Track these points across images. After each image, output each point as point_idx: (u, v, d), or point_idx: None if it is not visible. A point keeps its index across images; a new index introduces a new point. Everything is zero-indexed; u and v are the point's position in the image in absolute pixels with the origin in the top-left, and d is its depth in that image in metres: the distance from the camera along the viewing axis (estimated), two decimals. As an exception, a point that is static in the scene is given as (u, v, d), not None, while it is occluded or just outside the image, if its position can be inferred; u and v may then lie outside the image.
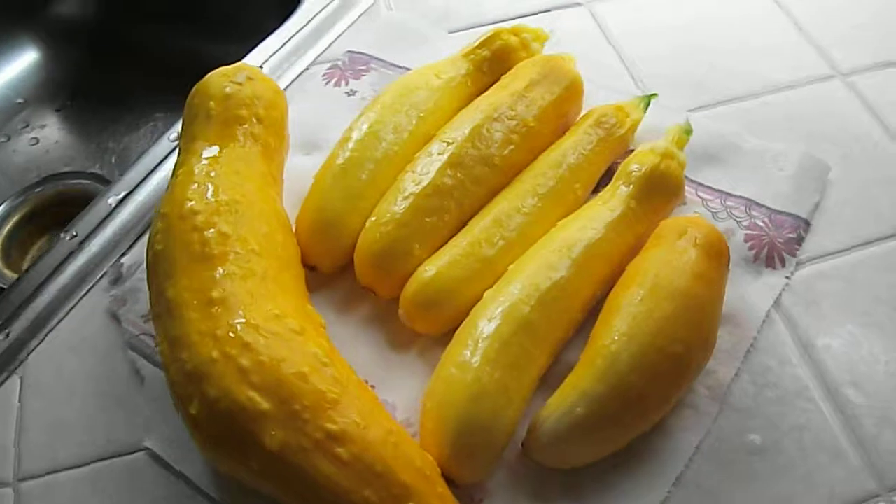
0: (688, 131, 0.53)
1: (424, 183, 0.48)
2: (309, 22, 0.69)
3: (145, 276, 0.45)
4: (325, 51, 0.67)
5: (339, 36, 0.68)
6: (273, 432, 0.36)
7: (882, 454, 0.44)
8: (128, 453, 0.46)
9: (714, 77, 0.62)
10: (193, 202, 0.44)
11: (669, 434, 0.44)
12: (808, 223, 0.53)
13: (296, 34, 0.68)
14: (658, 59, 0.64)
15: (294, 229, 0.49)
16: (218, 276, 0.41)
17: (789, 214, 0.53)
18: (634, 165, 0.50)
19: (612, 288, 0.46)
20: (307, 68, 0.66)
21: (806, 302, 0.50)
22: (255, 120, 0.50)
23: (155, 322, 0.43)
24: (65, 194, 0.77)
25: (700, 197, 0.54)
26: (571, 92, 0.55)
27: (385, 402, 0.45)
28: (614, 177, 0.51)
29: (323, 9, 0.70)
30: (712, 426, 0.45)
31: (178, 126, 0.54)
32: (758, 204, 0.53)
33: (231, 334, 0.38)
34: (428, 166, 0.49)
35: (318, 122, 0.59)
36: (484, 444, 0.40)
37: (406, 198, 0.48)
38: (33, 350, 0.51)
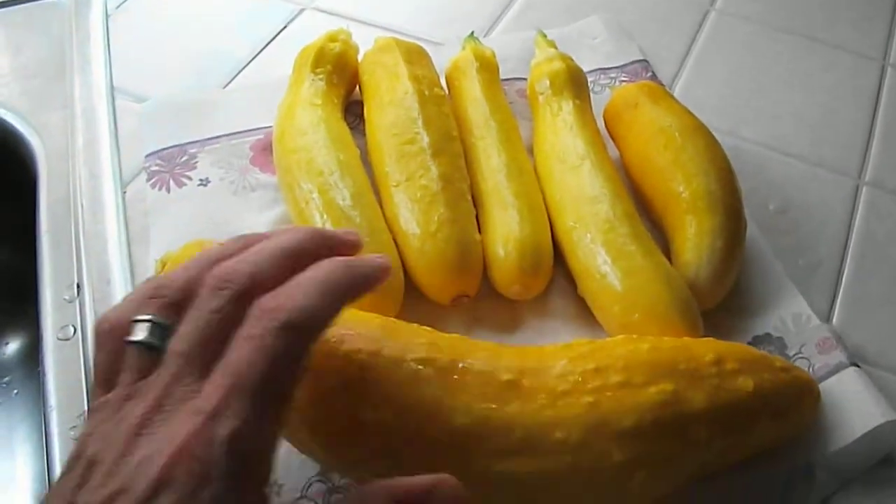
0: (544, 35, 0.57)
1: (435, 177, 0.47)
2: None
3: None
4: (121, 173, 0.54)
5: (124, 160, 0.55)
6: None
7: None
8: None
9: None
10: None
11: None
12: (647, 62, 0.62)
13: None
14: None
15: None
16: None
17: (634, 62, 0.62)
18: (545, 80, 0.53)
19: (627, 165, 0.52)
20: (124, 195, 0.53)
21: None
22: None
23: None
24: None
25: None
26: (421, 55, 0.56)
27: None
28: (534, 99, 0.54)
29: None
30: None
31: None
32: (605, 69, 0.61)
33: None
34: (420, 167, 0.48)
35: (213, 221, 0.51)
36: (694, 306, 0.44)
37: (435, 200, 0.46)
38: None
